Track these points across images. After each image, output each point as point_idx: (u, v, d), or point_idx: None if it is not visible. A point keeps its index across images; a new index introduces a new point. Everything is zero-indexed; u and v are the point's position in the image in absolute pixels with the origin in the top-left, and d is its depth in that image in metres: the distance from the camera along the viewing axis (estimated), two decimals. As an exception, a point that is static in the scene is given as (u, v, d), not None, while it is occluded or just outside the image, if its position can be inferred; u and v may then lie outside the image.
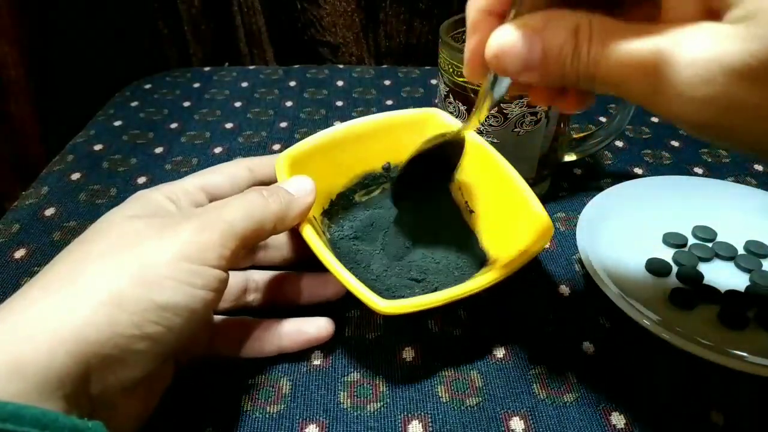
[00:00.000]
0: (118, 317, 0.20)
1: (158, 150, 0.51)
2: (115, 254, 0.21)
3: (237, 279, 0.31)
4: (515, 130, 0.38)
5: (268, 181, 0.31)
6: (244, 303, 0.32)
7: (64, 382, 0.18)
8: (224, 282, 0.23)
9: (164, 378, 0.26)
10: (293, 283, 0.33)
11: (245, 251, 0.26)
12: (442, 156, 0.31)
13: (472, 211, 0.36)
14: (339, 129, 0.34)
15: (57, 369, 0.18)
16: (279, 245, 0.34)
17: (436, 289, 0.32)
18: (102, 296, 0.20)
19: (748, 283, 0.35)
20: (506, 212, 0.34)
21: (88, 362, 0.19)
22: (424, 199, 0.36)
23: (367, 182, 0.37)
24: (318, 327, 0.30)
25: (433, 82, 0.64)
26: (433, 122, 0.37)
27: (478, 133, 0.39)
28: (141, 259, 0.21)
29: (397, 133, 0.37)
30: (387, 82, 0.64)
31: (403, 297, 0.31)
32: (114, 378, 0.20)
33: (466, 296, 0.27)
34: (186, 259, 0.22)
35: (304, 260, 0.33)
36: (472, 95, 0.37)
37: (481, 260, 0.34)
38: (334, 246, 0.34)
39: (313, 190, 0.28)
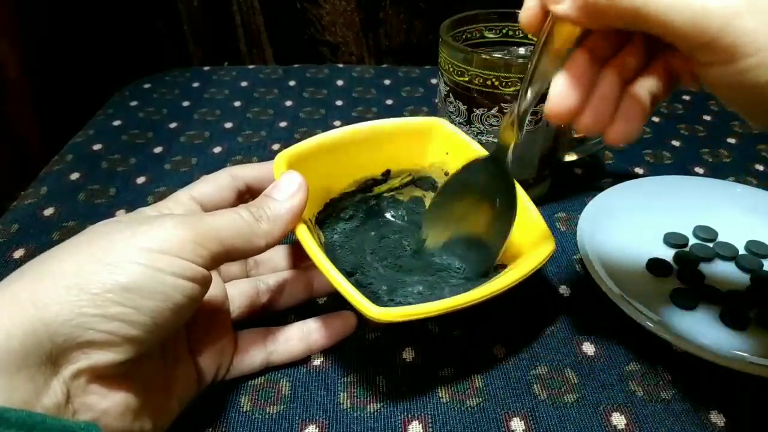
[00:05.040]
0: (81, 298, 0.20)
1: (157, 150, 0.51)
2: (86, 245, 0.22)
3: (248, 284, 0.32)
4: (515, 129, 0.38)
5: (252, 185, 0.31)
6: (260, 306, 0.32)
7: (27, 362, 0.19)
8: (203, 276, 0.23)
9: (179, 379, 0.26)
10: (303, 278, 0.33)
11: (236, 260, 0.26)
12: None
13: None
14: (339, 132, 0.34)
15: (15, 348, 0.19)
16: (274, 264, 0.34)
17: (432, 297, 0.31)
18: (65, 280, 0.20)
19: (749, 284, 0.35)
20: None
21: (52, 341, 0.19)
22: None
23: (366, 188, 0.37)
24: (345, 320, 0.32)
25: (433, 81, 0.64)
26: (437, 131, 0.36)
27: (479, 132, 0.39)
28: (109, 248, 0.22)
29: (400, 140, 0.36)
30: (387, 82, 0.64)
31: (397, 303, 0.31)
32: (87, 361, 0.20)
33: (461, 307, 0.26)
34: (156, 249, 0.22)
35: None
36: (475, 95, 0.37)
37: (481, 269, 0.34)
38: (329, 249, 0.34)
39: (301, 188, 0.27)
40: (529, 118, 0.37)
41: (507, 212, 0.31)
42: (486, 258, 0.32)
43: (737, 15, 0.17)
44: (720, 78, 0.19)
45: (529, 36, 0.41)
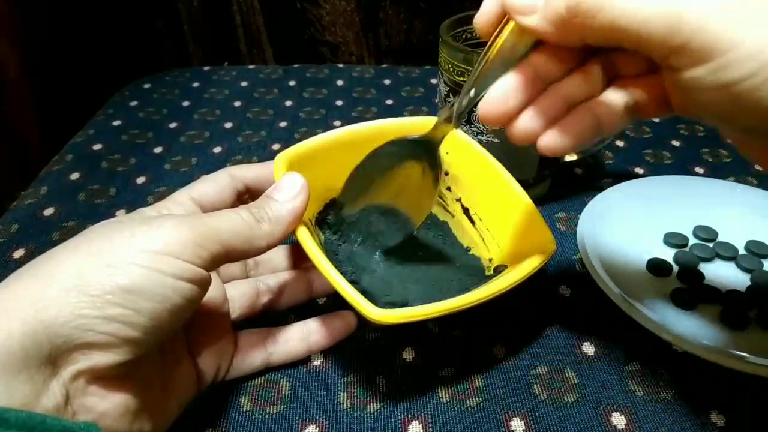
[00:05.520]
0: (80, 299, 0.20)
1: (157, 150, 0.51)
2: (85, 246, 0.22)
3: (248, 285, 0.32)
4: (515, 129, 0.38)
5: (251, 186, 0.31)
6: (260, 307, 0.32)
7: (27, 363, 0.19)
8: (202, 278, 0.23)
9: (178, 380, 0.26)
10: (303, 279, 0.33)
11: (236, 261, 0.26)
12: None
13: (473, 222, 0.36)
14: (339, 132, 0.34)
15: (15, 349, 0.19)
16: (274, 265, 0.34)
17: (431, 298, 0.31)
18: (65, 282, 0.20)
19: (749, 284, 0.35)
20: (508, 223, 0.33)
21: (51, 343, 0.19)
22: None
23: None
24: (345, 320, 0.32)
25: (433, 81, 0.64)
26: None
27: (479, 132, 0.39)
28: (109, 249, 0.21)
29: None
30: (387, 82, 0.64)
31: (397, 305, 0.31)
32: (87, 362, 0.20)
33: (461, 309, 0.26)
34: (156, 250, 0.22)
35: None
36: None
37: (481, 270, 0.33)
38: (329, 250, 0.34)
39: (303, 190, 0.27)
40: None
41: (428, 192, 0.32)
42: (403, 228, 0.33)
43: (711, 16, 0.18)
44: (694, 81, 0.19)
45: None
